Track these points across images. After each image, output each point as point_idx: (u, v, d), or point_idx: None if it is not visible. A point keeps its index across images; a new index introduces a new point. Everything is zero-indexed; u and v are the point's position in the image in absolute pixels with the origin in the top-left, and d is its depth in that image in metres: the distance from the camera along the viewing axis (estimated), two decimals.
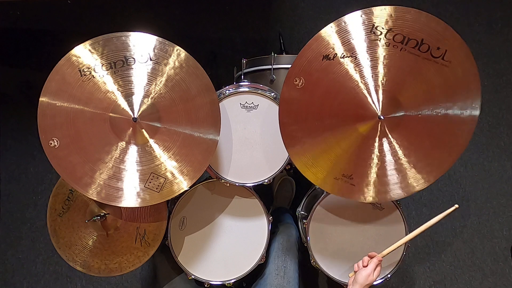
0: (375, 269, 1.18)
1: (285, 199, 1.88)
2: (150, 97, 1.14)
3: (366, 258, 1.21)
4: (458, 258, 1.92)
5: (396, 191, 1.16)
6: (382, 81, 1.08)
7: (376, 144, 1.12)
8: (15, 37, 2.17)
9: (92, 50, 1.11)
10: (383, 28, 1.05)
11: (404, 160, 1.13)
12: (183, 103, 1.15)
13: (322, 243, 1.36)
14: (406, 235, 1.34)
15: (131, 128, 1.14)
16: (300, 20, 2.11)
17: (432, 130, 1.10)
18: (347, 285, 1.35)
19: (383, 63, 1.07)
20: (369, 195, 1.16)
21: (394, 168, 1.14)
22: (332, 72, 1.08)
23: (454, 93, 1.08)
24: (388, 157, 1.13)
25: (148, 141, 1.16)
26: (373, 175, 1.15)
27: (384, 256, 1.23)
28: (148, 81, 1.14)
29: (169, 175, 1.17)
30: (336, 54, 1.07)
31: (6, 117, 2.14)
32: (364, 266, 1.20)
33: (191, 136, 1.16)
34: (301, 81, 1.09)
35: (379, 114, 1.09)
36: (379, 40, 1.06)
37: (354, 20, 1.06)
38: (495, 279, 1.89)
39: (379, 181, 1.15)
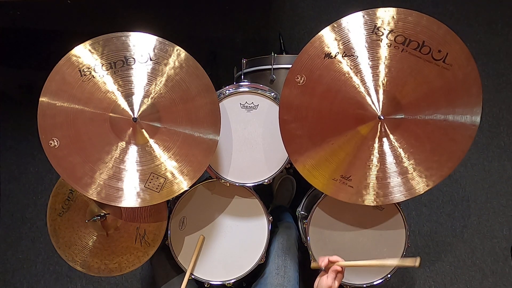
0: (335, 278, 1.10)
1: (285, 198, 1.89)
2: (150, 97, 1.14)
3: (326, 260, 1.11)
4: (458, 258, 1.92)
5: (395, 195, 1.15)
6: (383, 81, 1.08)
7: (376, 145, 1.12)
8: (15, 37, 2.17)
9: (92, 50, 1.11)
10: (384, 29, 1.06)
11: (404, 162, 1.13)
12: (183, 103, 1.15)
13: (322, 243, 1.36)
14: (406, 235, 1.34)
15: (131, 128, 1.14)
16: (300, 20, 2.12)
17: (432, 134, 1.10)
18: (347, 286, 1.36)
19: (384, 63, 1.08)
20: (368, 198, 1.16)
21: (394, 171, 1.14)
22: (333, 70, 1.09)
23: (455, 97, 1.08)
24: (389, 159, 1.13)
25: (148, 141, 1.16)
26: (372, 177, 1.14)
27: (344, 266, 1.11)
28: (148, 81, 1.14)
29: (169, 175, 1.17)
30: (337, 52, 1.08)
31: (6, 117, 2.14)
32: (325, 270, 1.12)
33: (191, 136, 1.16)
34: (303, 78, 1.09)
35: (379, 114, 1.09)
36: (381, 41, 1.06)
37: (356, 20, 1.07)
38: (495, 279, 1.89)
39: (378, 183, 1.15)
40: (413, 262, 1.03)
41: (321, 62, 1.08)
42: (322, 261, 1.12)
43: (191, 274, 1.35)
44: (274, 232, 1.48)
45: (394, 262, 1.15)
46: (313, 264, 1.18)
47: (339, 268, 1.10)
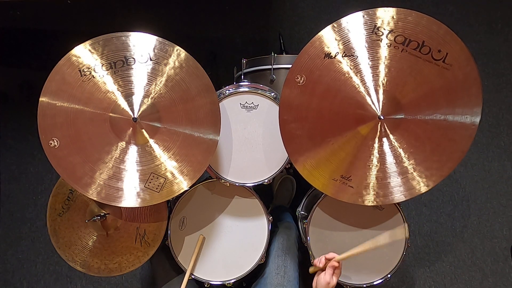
0: (333, 274, 1.12)
1: (285, 198, 1.89)
2: (150, 97, 1.14)
3: (323, 259, 1.15)
4: (458, 258, 1.92)
5: (395, 195, 1.15)
6: (383, 81, 1.08)
7: (376, 145, 1.12)
8: (15, 37, 2.17)
9: (92, 50, 1.11)
10: (384, 29, 1.06)
11: (404, 162, 1.13)
12: (183, 103, 1.15)
13: (322, 243, 1.36)
14: (406, 235, 1.34)
15: (131, 128, 1.14)
16: (300, 20, 2.11)
17: (432, 134, 1.10)
18: (347, 286, 1.36)
19: (384, 63, 1.07)
20: (368, 198, 1.16)
21: (393, 171, 1.14)
22: (333, 70, 1.09)
23: (455, 97, 1.08)
24: (389, 159, 1.13)
25: (148, 141, 1.16)
26: (372, 177, 1.14)
27: (341, 260, 1.14)
28: (148, 81, 1.14)
29: (169, 175, 1.17)
30: (337, 53, 1.08)
31: (6, 117, 2.14)
32: (322, 270, 1.14)
33: (191, 136, 1.16)
34: (303, 78, 1.09)
35: (379, 114, 1.09)
36: (381, 41, 1.06)
37: (356, 20, 1.07)
38: (495, 279, 1.89)
39: (378, 183, 1.15)
40: (403, 233, 1.04)
41: (321, 62, 1.08)
42: (319, 262, 1.15)
43: (191, 274, 1.35)
44: (274, 232, 1.48)
45: (385, 238, 1.12)
46: (311, 269, 1.20)
47: (336, 264, 1.13)
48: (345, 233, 1.36)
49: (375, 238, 1.14)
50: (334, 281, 1.12)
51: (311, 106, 1.11)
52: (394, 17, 1.05)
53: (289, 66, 1.33)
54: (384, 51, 1.07)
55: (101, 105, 1.13)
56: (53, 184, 1.32)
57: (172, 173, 1.17)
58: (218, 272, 1.38)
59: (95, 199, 1.15)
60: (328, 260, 1.15)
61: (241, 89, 1.30)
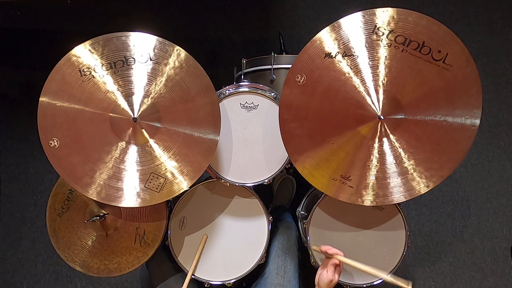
0: (335, 271, 1.15)
1: (285, 198, 1.89)
2: (150, 97, 1.14)
3: (324, 248, 1.18)
4: (458, 258, 1.92)
5: (394, 195, 1.15)
6: (383, 81, 1.08)
7: (376, 145, 1.12)
8: (15, 37, 2.17)
9: (92, 50, 1.11)
10: (385, 29, 1.06)
11: (404, 162, 1.12)
12: (183, 103, 1.15)
13: (322, 243, 1.36)
14: (406, 235, 1.34)
15: (131, 128, 1.14)
16: (300, 20, 2.12)
17: (432, 135, 1.10)
18: (347, 285, 1.36)
19: (384, 63, 1.07)
20: (367, 198, 1.16)
21: (393, 171, 1.13)
22: (334, 70, 1.09)
23: (455, 97, 1.08)
24: (389, 159, 1.13)
25: (148, 141, 1.16)
26: (372, 178, 1.14)
27: (342, 262, 1.16)
28: (148, 81, 1.14)
29: (169, 175, 1.17)
30: (338, 52, 1.08)
31: (6, 117, 2.14)
32: (326, 255, 1.18)
33: (191, 136, 1.16)
34: (303, 78, 1.09)
35: (379, 114, 1.09)
36: (381, 41, 1.06)
37: (356, 20, 1.07)
38: (495, 279, 1.89)
39: (378, 184, 1.15)
40: (406, 284, 1.06)
41: (321, 62, 1.09)
42: (324, 248, 1.19)
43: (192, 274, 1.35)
44: (274, 232, 1.48)
45: (388, 277, 1.13)
46: (314, 247, 1.22)
47: (337, 262, 1.16)
48: (345, 233, 1.36)
49: (379, 271, 1.14)
50: (336, 278, 1.15)
51: (311, 105, 1.11)
52: (395, 17, 1.05)
53: (289, 66, 1.33)
54: (384, 51, 1.07)
55: (101, 105, 1.13)
56: (53, 184, 1.32)
57: (172, 173, 1.17)
58: (218, 272, 1.38)
59: (95, 199, 1.15)
60: (328, 256, 1.17)
61: (241, 89, 1.30)
